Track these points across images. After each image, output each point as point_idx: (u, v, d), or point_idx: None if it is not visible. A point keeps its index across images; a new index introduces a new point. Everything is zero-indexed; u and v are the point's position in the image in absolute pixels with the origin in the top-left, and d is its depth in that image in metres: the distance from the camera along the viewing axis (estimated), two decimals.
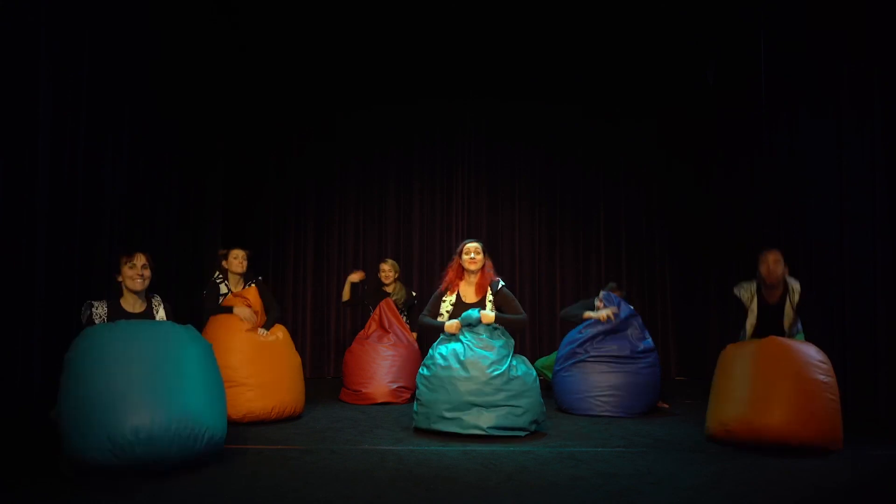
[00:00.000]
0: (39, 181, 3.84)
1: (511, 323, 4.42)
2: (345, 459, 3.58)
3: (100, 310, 3.63)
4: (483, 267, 4.54)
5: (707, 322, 7.33)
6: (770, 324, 4.36)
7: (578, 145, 7.68)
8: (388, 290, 6.02)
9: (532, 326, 7.55)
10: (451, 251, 7.55)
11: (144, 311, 3.75)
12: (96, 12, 4.38)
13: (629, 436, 4.22)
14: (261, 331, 4.71)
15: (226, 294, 4.99)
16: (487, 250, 4.61)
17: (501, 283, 4.57)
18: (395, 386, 5.40)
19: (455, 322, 4.37)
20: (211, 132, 6.60)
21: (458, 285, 4.56)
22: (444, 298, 4.57)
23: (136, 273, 3.69)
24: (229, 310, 4.76)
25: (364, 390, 5.39)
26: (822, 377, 3.77)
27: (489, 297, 4.52)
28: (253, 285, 5.00)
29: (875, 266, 4.56)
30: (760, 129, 6.11)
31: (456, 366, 4.12)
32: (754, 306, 4.41)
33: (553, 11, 6.21)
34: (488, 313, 4.33)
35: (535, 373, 4.29)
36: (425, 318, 4.59)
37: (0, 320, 3.61)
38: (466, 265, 4.52)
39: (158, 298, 3.85)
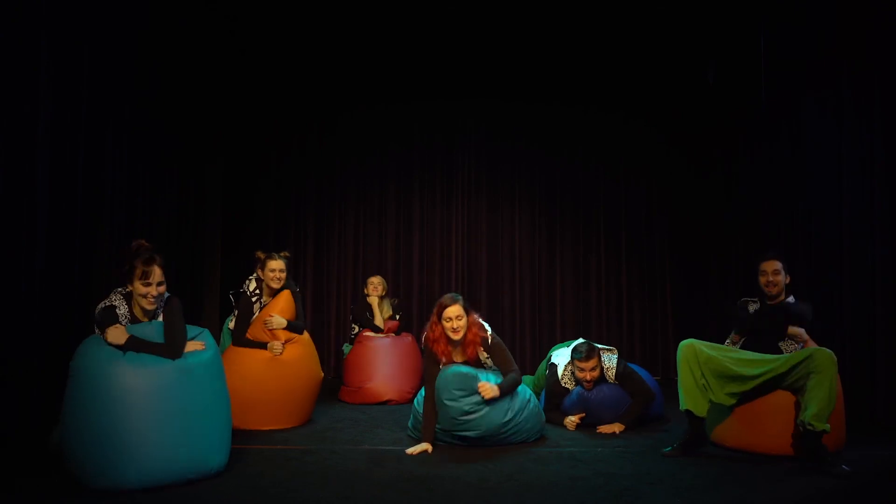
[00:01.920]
0: (39, 180, 3.84)
1: (510, 390, 3.91)
2: (345, 459, 3.59)
3: (122, 309, 3.29)
4: (468, 331, 3.96)
5: (707, 322, 7.31)
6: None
7: (578, 145, 7.67)
8: (373, 301, 5.94)
9: (532, 327, 7.54)
10: (451, 251, 7.59)
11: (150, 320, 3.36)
12: (96, 11, 4.38)
13: (629, 436, 4.22)
14: (276, 348, 4.38)
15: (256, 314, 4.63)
16: (468, 306, 4.02)
17: (490, 333, 4.02)
18: (395, 384, 5.41)
19: (420, 447, 3.78)
20: (211, 131, 6.60)
21: (446, 351, 3.98)
22: (440, 367, 3.96)
23: (150, 291, 3.27)
24: (260, 345, 4.41)
25: (365, 386, 5.41)
26: None
27: (482, 356, 4.01)
28: (285, 292, 4.60)
29: (875, 266, 4.56)
30: (760, 128, 6.11)
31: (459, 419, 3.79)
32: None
33: (553, 12, 6.20)
34: (492, 388, 3.78)
35: (529, 393, 4.10)
36: (428, 408, 3.91)
37: (0, 320, 3.61)
38: (450, 335, 3.93)
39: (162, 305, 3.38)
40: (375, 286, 5.98)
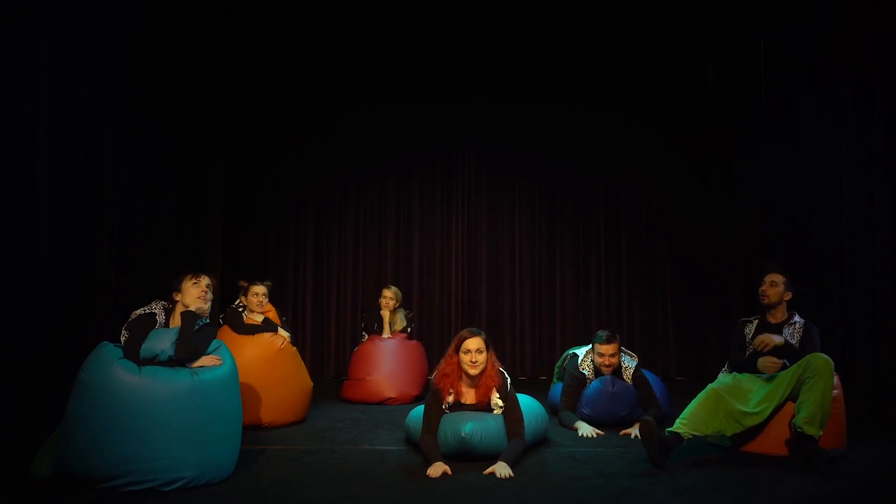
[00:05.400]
0: (39, 180, 3.83)
1: (518, 459, 3.50)
2: (345, 459, 3.59)
3: (161, 317, 3.39)
4: (486, 369, 3.63)
5: (707, 322, 7.32)
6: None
7: (578, 145, 7.68)
8: (384, 314, 5.93)
9: (532, 327, 7.54)
10: (451, 251, 7.59)
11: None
12: (96, 11, 4.38)
13: (629, 437, 4.22)
14: (282, 335, 4.67)
15: None
16: (491, 342, 3.72)
17: (510, 382, 3.69)
18: (397, 382, 5.41)
19: (439, 468, 3.33)
20: (211, 131, 6.60)
21: (456, 387, 3.66)
22: (443, 408, 3.65)
23: (200, 289, 3.41)
24: (265, 328, 4.68)
25: (367, 379, 5.41)
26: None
27: (496, 400, 3.64)
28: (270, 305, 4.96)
29: (875, 266, 4.56)
30: (760, 128, 6.11)
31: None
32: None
33: (553, 12, 6.20)
34: (504, 470, 3.30)
35: (538, 409, 3.99)
36: (428, 438, 3.55)
37: (0, 320, 3.61)
38: (467, 369, 3.60)
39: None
40: (388, 299, 5.97)
